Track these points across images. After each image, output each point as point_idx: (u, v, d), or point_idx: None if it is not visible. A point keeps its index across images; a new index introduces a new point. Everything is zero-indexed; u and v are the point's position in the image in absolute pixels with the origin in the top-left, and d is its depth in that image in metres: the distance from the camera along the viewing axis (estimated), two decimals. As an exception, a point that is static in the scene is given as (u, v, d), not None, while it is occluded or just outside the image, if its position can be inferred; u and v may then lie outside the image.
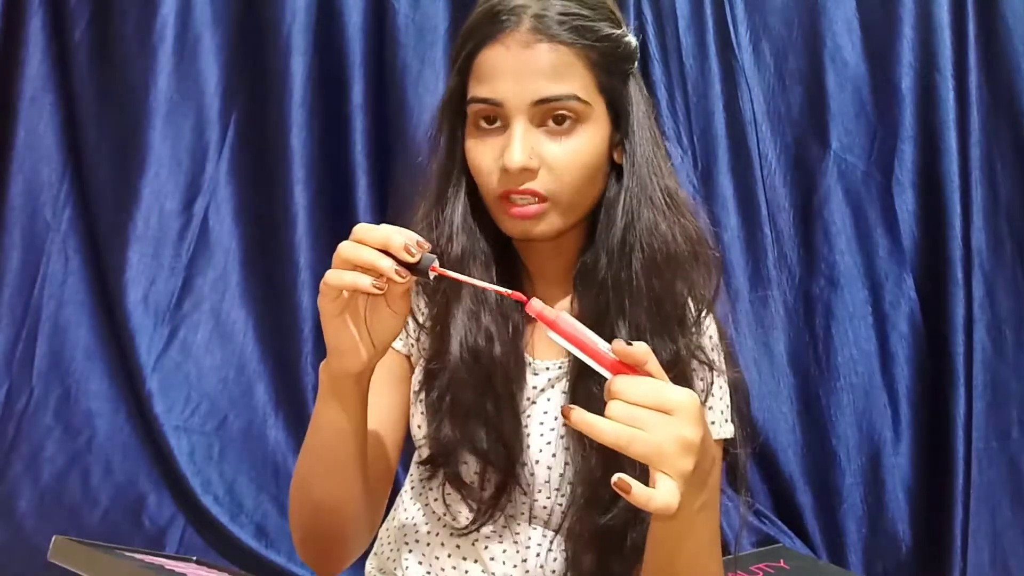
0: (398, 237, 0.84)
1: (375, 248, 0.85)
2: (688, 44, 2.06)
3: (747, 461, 1.13)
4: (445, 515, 1.09)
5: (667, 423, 0.77)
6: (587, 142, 1.00)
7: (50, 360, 2.03)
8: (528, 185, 0.98)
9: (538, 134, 0.99)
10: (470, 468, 1.05)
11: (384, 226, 0.86)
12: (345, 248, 0.86)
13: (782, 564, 1.78)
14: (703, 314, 1.07)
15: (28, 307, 2.04)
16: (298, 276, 2.03)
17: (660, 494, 0.76)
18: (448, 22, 2.03)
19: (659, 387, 0.79)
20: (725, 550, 1.68)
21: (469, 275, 1.01)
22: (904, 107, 2.02)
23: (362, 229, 0.86)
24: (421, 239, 0.85)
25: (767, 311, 2.05)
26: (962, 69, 1.97)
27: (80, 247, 2.08)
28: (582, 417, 0.77)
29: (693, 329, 1.06)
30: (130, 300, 2.02)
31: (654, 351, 0.99)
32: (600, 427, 0.77)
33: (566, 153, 0.99)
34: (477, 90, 1.00)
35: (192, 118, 2.07)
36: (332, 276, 0.86)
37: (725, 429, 1.10)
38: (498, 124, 1.00)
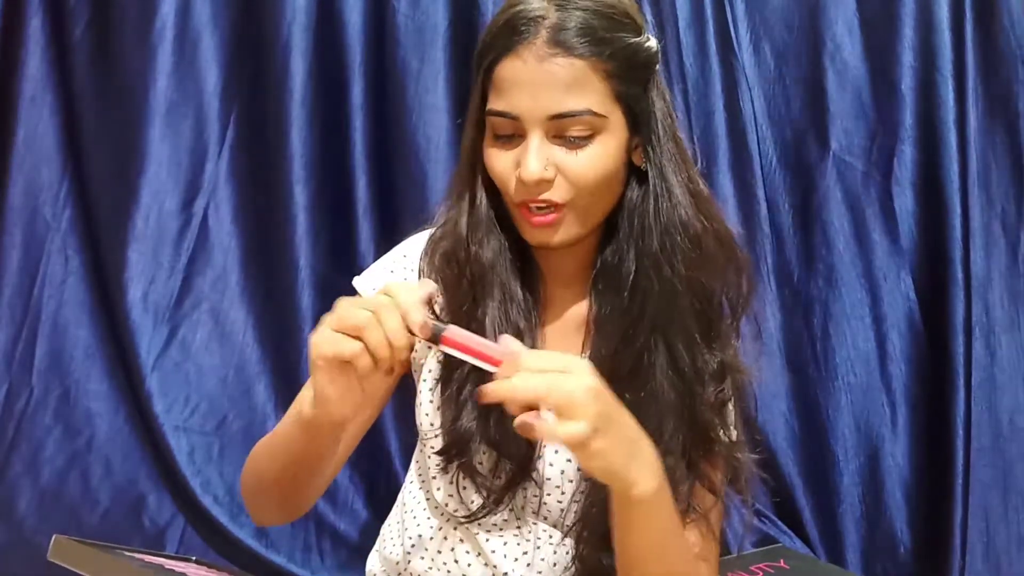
0: (399, 328, 0.84)
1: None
2: (688, 44, 2.06)
3: (752, 465, 1.14)
4: (448, 507, 1.10)
5: (571, 377, 0.83)
6: (603, 151, 1.00)
7: (50, 360, 2.03)
8: (545, 196, 0.99)
9: (553, 146, 0.99)
10: (485, 459, 1.06)
11: (392, 304, 0.85)
12: (351, 316, 0.85)
13: (782, 564, 1.78)
14: (740, 316, 1.08)
15: (28, 307, 2.04)
16: (298, 276, 2.02)
17: (566, 427, 0.81)
18: (448, 22, 2.03)
19: (557, 355, 0.86)
20: (726, 550, 1.68)
21: (496, 276, 1.05)
22: (904, 107, 2.01)
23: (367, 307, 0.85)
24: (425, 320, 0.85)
25: (765, 311, 2.05)
26: (962, 69, 1.97)
27: (80, 247, 2.07)
28: (495, 387, 0.83)
29: (732, 335, 1.08)
30: (130, 300, 2.01)
31: (704, 363, 1.04)
32: (516, 384, 0.82)
33: (582, 162, 0.99)
34: (495, 103, 1.01)
35: (192, 118, 2.07)
36: (328, 344, 0.85)
37: (730, 434, 1.11)
38: (514, 135, 1.01)
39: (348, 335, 0.85)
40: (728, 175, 2.05)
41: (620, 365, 1.03)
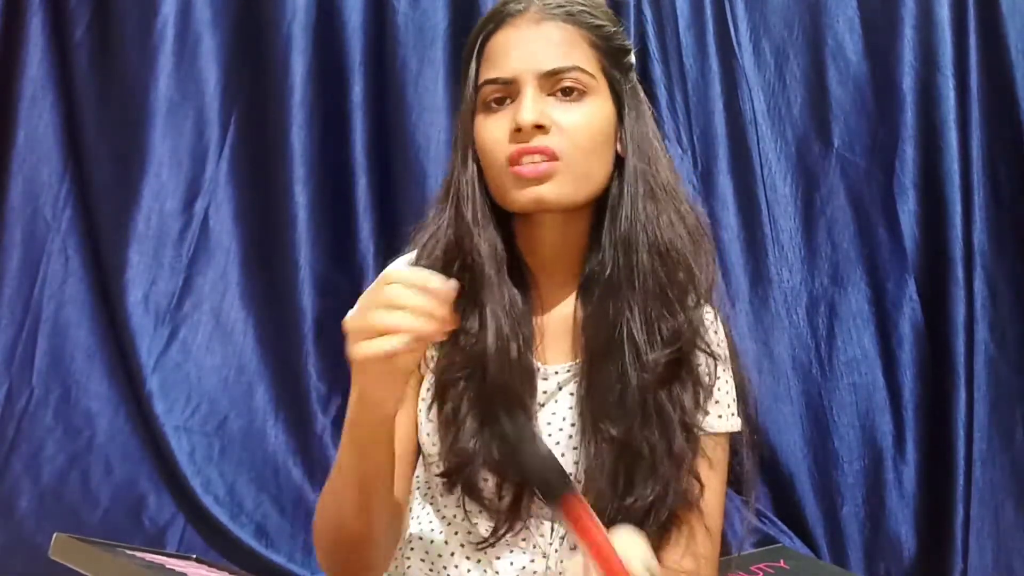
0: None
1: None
2: (688, 44, 2.06)
3: (755, 464, 1.13)
4: (456, 520, 1.09)
5: None
6: (596, 112, 1.03)
7: (50, 360, 2.03)
8: (540, 141, 1.00)
9: (549, 101, 1.02)
10: (488, 480, 1.05)
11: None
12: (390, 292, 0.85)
13: (782, 564, 1.77)
14: (703, 301, 1.08)
15: (28, 307, 2.04)
16: (298, 276, 2.02)
17: None
18: (448, 21, 2.03)
19: None
20: (726, 550, 1.68)
21: (492, 277, 1.04)
22: (905, 106, 2.02)
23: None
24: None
25: (768, 311, 2.05)
26: (963, 68, 1.98)
27: (80, 247, 2.07)
28: None
29: (693, 315, 1.07)
30: (130, 300, 2.02)
31: (660, 329, 1.03)
32: None
33: (577, 117, 1.02)
34: (488, 72, 1.04)
35: (192, 118, 2.07)
36: (374, 347, 0.84)
37: (732, 422, 1.10)
38: (508, 102, 1.03)
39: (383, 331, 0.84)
40: (728, 175, 2.05)
41: (598, 349, 1.04)
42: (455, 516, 1.09)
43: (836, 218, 2.05)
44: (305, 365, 2.02)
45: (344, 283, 2.04)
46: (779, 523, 2.01)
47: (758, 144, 2.06)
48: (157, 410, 2.00)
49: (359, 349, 0.85)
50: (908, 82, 2.01)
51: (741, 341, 1.99)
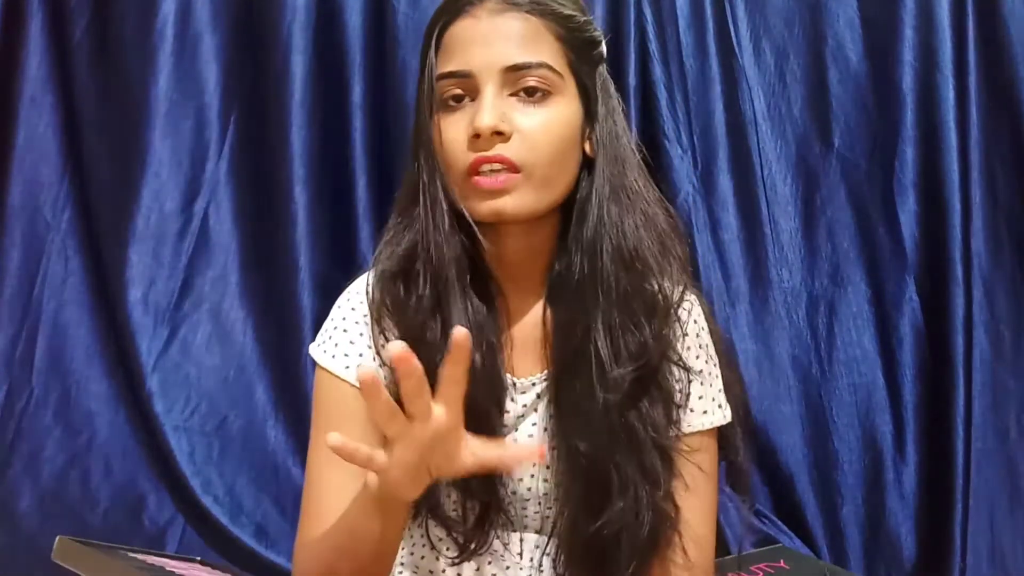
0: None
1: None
2: (688, 44, 2.06)
3: (749, 461, 1.11)
4: (432, 550, 1.07)
5: None
6: (560, 114, 0.98)
7: (50, 360, 2.03)
8: (499, 150, 0.95)
9: (510, 102, 0.96)
10: (451, 498, 1.02)
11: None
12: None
13: (782, 564, 1.77)
14: (674, 310, 1.03)
15: (28, 307, 2.04)
16: (298, 276, 2.02)
17: None
18: (448, 22, 2.03)
19: None
20: (726, 550, 1.68)
21: (458, 286, 0.99)
22: (905, 106, 2.02)
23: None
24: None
25: (768, 311, 2.05)
26: (963, 68, 1.97)
27: (80, 247, 2.07)
28: None
29: (664, 324, 1.02)
30: (130, 300, 2.02)
31: (625, 344, 0.98)
32: None
33: (540, 122, 0.96)
34: (445, 65, 0.98)
35: (192, 118, 2.07)
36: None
37: (718, 415, 1.07)
38: (468, 100, 0.98)
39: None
40: (728, 175, 2.05)
41: (565, 361, 1.00)
42: (432, 549, 1.07)
43: (836, 218, 2.05)
44: (305, 365, 2.02)
45: (344, 283, 2.02)
46: (779, 523, 2.01)
47: (758, 144, 2.06)
48: (157, 410, 2.00)
49: (431, 473, 0.84)
50: (908, 82, 2.01)
51: (741, 341, 2.02)
